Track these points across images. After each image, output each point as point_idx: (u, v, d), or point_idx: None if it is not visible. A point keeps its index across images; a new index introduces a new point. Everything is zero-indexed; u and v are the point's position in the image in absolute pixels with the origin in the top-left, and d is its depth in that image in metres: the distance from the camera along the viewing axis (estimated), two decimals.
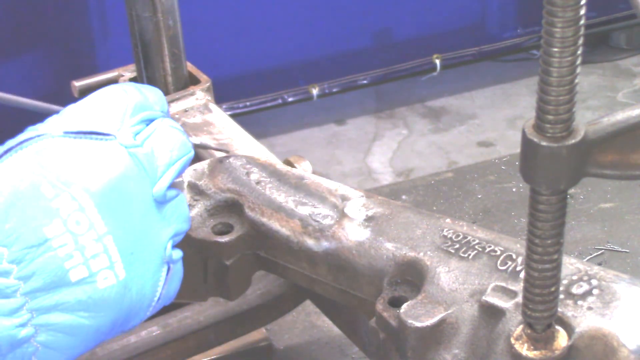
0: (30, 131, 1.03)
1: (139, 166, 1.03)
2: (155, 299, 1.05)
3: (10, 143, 1.01)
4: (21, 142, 1.01)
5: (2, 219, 0.93)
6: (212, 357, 1.83)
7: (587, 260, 1.47)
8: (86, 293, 0.96)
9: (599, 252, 2.11)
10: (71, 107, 1.06)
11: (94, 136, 1.03)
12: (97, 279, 0.96)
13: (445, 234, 1.17)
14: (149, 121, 1.09)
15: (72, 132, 1.02)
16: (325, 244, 1.23)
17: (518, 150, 0.89)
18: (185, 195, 1.26)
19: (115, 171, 1.01)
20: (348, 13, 3.26)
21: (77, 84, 1.77)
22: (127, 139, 1.04)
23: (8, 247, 0.92)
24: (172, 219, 1.07)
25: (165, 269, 1.05)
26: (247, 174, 1.32)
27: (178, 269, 1.09)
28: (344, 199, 1.27)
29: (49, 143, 1.01)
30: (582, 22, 0.80)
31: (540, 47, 0.83)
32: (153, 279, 1.04)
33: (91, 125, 1.04)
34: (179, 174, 1.08)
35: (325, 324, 1.93)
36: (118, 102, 1.07)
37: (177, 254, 1.08)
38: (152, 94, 1.12)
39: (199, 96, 1.69)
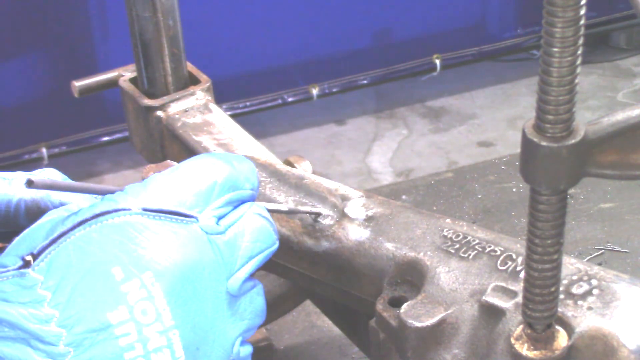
0: (108, 202, 0.95)
1: (217, 255, 0.96)
2: None
3: (85, 213, 0.94)
4: (97, 215, 0.93)
5: (67, 298, 0.88)
6: None
7: (587, 260, 1.47)
8: None
9: (599, 252, 2.11)
10: (155, 179, 0.99)
11: (174, 217, 0.95)
12: None
13: (445, 234, 1.17)
14: (237, 202, 1.02)
15: (151, 211, 0.95)
16: (325, 244, 1.23)
17: (518, 150, 0.89)
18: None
19: (191, 259, 0.94)
20: (348, 13, 3.26)
21: (77, 84, 1.77)
22: (209, 223, 0.97)
23: (67, 329, 0.87)
24: (245, 313, 1.00)
25: None
26: None
27: None
28: (344, 199, 1.27)
29: (126, 220, 0.93)
30: (582, 22, 0.80)
31: (540, 47, 0.83)
32: None
33: (173, 204, 0.96)
34: (258, 267, 1.02)
35: (325, 324, 1.93)
36: (206, 178, 1.00)
37: (246, 350, 1.02)
38: (244, 169, 1.04)
39: (199, 96, 1.69)
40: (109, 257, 0.91)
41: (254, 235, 1.01)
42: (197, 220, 0.97)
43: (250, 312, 1.01)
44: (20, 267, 0.90)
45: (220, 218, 0.99)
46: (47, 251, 0.91)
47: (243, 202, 1.03)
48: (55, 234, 0.92)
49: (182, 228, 0.95)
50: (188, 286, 0.93)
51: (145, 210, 0.94)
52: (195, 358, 0.93)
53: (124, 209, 0.94)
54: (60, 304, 0.88)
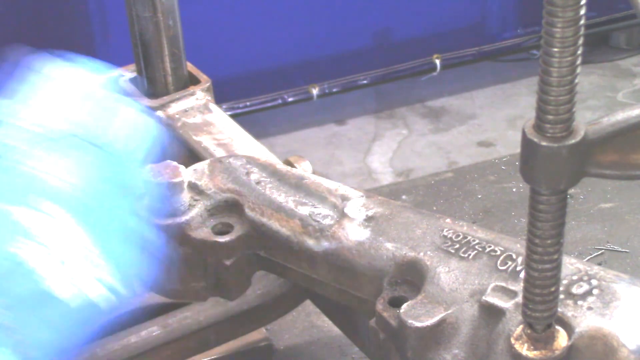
0: None
1: (113, 163, 1.00)
2: (141, 287, 1.02)
3: None
4: None
5: None
6: (212, 357, 1.83)
7: (587, 260, 1.47)
8: (79, 308, 0.92)
9: (599, 252, 2.11)
10: (33, 101, 1.03)
11: (60, 139, 0.99)
12: (88, 292, 0.93)
13: (445, 234, 1.17)
14: (113, 105, 1.07)
15: (36, 140, 0.99)
16: (325, 244, 1.23)
17: (518, 150, 0.89)
18: (186, 195, 1.26)
19: (89, 177, 0.98)
20: (348, 13, 3.25)
21: None
22: (94, 137, 1.01)
23: None
24: (151, 199, 1.07)
25: (146, 254, 1.02)
26: (247, 174, 1.32)
27: (159, 248, 1.06)
28: (344, 199, 1.27)
29: (20, 157, 0.97)
30: (582, 22, 0.80)
31: (540, 47, 0.83)
32: (140, 272, 1.00)
33: (54, 125, 1.00)
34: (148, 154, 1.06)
35: (325, 324, 1.93)
36: (77, 90, 1.04)
37: (153, 233, 1.06)
38: (104, 73, 1.10)
39: (199, 96, 1.69)
40: (9, 197, 0.93)
41: (138, 130, 1.05)
42: (83, 135, 1.00)
43: (154, 195, 1.09)
44: None
45: (103, 127, 1.03)
46: None
47: (116, 102, 1.07)
48: None
49: (72, 148, 0.98)
50: (93, 201, 0.96)
51: (29, 141, 0.97)
52: (116, 263, 0.96)
53: (6, 145, 0.96)
54: None
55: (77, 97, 1.03)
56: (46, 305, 0.91)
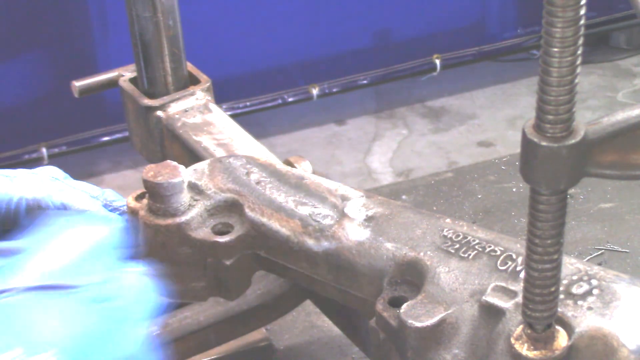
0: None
1: (106, 322, 0.97)
2: None
3: None
4: None
5: None
6: (212, 357, 1.83)
7: (587, 260, 1.47)
8: None
9: (599, 252, 2.11)
10: (35, 251, 0.99)
11: (58, 290, 0.95)
12: None
13: (445, 234, 1.17)
14: (120, 261, 1.03)
15: (34, 288, 0.94)
16: (325, 244, 1.23)
17: (518, 150, 0.89)
18: (186, 195, 1.26)
19: (79, 331, 0.94)
20: (348, 13, 3.26)
21: (77, 84, 1.77)
22: (95, 291, 0.97)
23: None
24: None
25: None
26: (247, 174, 1.32)
27: None
28: (344, 199, 1.27)
29: (8, 302, 0.92)
30: (582, 22, 0.80)
31: (540, 47, 0.83)
32: None
33: (56, 276, 0.96)
34: (148, 325, 1.02)
35: (325, 324, 1.93)
36: (87, 243, 1.00)
37: None
38: (121, 227, 1.06)
39: (199, 96, 1.69)
40: None
41: (139, 296, 1.01)
42: (81, 289, 0.96)
43: None
44: None
45: (103, 283, 0.99)
46: None
47: (125, 260, 1.04)
48: None
49: (67, 300, 0.94)
50: (80, 355, 0.93)
51: (27, 289, 0.93)
52: None
53: (5, 290, 0.93)
54: None
55: (82, 254, 1.00)
56: None
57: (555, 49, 0.81)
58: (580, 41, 0.82)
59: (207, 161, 1.35)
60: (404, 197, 2.37)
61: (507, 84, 3.56)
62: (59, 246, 0.99)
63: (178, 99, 1.68)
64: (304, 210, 1.26)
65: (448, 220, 1.20)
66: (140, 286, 1.02)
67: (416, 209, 1.25)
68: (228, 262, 1.27)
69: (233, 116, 1.76)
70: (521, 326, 1.00)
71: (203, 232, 1.26)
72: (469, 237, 1.16)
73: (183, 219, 1.24)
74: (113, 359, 0.96)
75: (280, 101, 3.26)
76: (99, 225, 1.03)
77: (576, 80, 0.83)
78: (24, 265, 0.97)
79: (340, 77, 3.29)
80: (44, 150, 3.08)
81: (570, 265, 1.06)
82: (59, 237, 1.00)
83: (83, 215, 1.07)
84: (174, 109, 1.66)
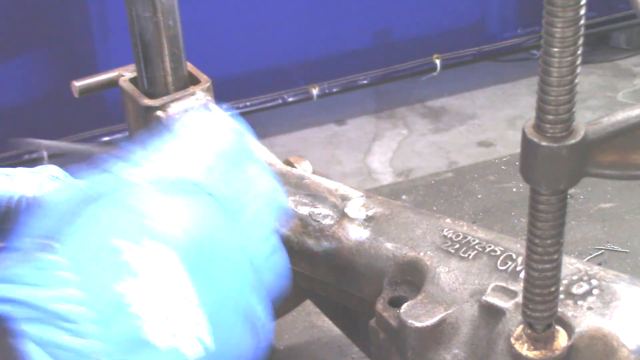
0: (115, 177, 0.95)
1: (231, 221, 0.95)
2: None
3: (89, 188, 0.94)
4: (103, 192, 0.93)
5: (85, 277, 0.88)
6: None
7: (587, 260, 1.47)
8: None
9: (599, 252, 2.11)
10: (160, 147, 0.98)
11: (183, 186, 0.94)
12: (183, 347, 0.89)
13: (445, 234, 1.17)
14: (242, 164, 1.01)
15: (158, 182, 0.94)
16: (325, 244, 1.23)
17: (518, 150, 0.89)
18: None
19: (204, 229, 0.93)
20: (348, 13, 3.26)
21: (77, 84, 1.77)
22: (218, 190, 0.96)
23: (88, 306, 0.87)
24: (268, 277, 0.99)
25: (252, 331, 0.98)
26: None
27: (267, 329, 1.01)
28: (344, 199, 1.27)
29: (135, 195, 0.93)
30: (582, 22, 0.80)
31: (540, 47, 0.83)
32: (244, 346, 0.96)
33: (180, 172, 0.95)
34: (275, 228, 1.01)
35: (325, 324, 1.93)
36: (211, 143, 0.99)
37: (266, 312, 1.00)
38: (243, 130, 1.04)
39: (199, 96, 1.69)
40: (114, 231, 0.90)
41: (265, 196, 1.00)
42: (207, 187, 0.95)
43: (272, 273, 0.99)
44: (37, 250, 0.91)
45: (229, 183, 0.98)
46: (59, 232, 0.91)
47: (248, 163, 1.02)
48: (63, 213, 0.93)
49: (192, 197, 0.94)
50: (206, 257, 0.92)
51: (153, 183, 0.94)
52: (219, 326, 0.92)
53: (128, 183, 0.93)
54: (78, 283, 0.88)
55: (211, 149, 0.99)
56: (140, 353, 0.88)
57: (555, 49, 0.81)
58: (580, 41, 0.82)
59: None
60: (404, 197, 2.37)
61: (507, 84, 3.56)
62: (186, 144, 0.98)
63: (178, 99, 1.68)
64: (304, 210, 1.26)
65: (448, 220, 1.20)
66: (266, 186, 1.01)
67: (416, 209, 1.25)
68: None
69: None
70: (521, 326, 1.00)
71: None
72: (469, 237, 1.16)
73: None
74: (236, 259, 0.95)
75: (280, 101, 3.26)
76: (225, 128, 1.02)
77: (576, 80, 0.83)
78: (150, 161, 0.97)
79: (340, 77, 3.29)
80: (44, 150, 3.08)
81: (570, 265, 1.06)
82: (185, 136, 0.99)
83: (213, 117, 1.05)
84: (174, 109, 1.66)
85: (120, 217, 0.92)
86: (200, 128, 1.02)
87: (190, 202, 0.94)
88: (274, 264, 1.00)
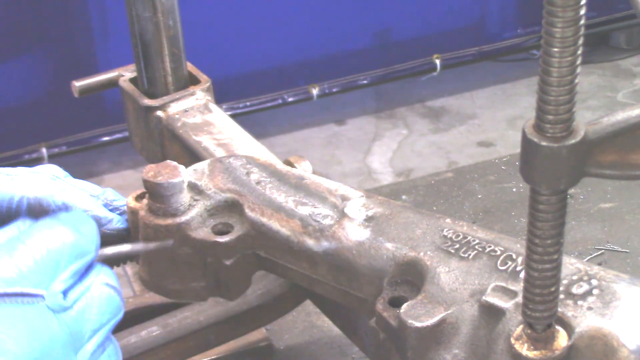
0: None
1: (65, 333, 0.95)
2: None
3: None
4: None
5: None
6: (212, 357, 1.83)
7: (587, 260, 1.47)
8: None
9: (599, 252, 2.11)
10: (4, 260, 0.95)
11: (20, 298, 0.92)
12: None
13: (445, 234, 1.17)
14: (83, 269, 1.00)
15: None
16: (325, 244, 1.23)
17: (518, 150, 0.89)
18: (186, 195, 1.26)
19: (40, 342, 0.92)
20: (348, 13, 3.26)
21: (77, 84, 1.77)
22: (56, 300, 0.95)
23: None
24: None
25: None
26: (247, 174, 1.32)
27: None
28: (344, 199, 1.27)
29: None
30: (582, 22, 0.80)
31: (540, 47, 0.83)
32: None
33: (18, 283, 0.93)
34: (106, 336, 1.01)
35: (325, 324, 1.94)
36: (51, 250, 0.97)
37: None
38: (89, 231, 1.02)
39: (199, 96, 1.69)
40: None
41: (101, 306, 1.00)
42: (44, 298, 0.94)
43: None
44: None
45: (67, 291, 0.97)
46: None
47: (89, 267, 1.02)
48: None
49: (29, 310, 0.93)
50: None
51: None
52: None
53: None
54: None
55: (45, 258, 0.97)
56: None
57: (555, 49, 0.81)
58: (580, 41, 0.81)
59: (207, 161, 1.35)
60: (404, 197, 2.37)
61: (507, 84, 3.56)
62: (22, 249, 0.96)
63: (178, 99, 1.68)
64: (304, 210, 1.26)
65: (448, 220, 1.20)
66: (103, 296, 1.01)
67: (416, 209, 1.25)
68: (228, 262, 1.27)
69: (233, 116, 1.76)
70: (521, 326, 1.00)
71: (203, 232, 1.26)
72: (469, 237, 1.16)
73: (183, 219, 1.24)
74: None
75: (280, 101, 3.26)
76: (67, 228, 1.00)
77: (576, 80, 0.83)
78: None
79: (340, 77, 3.30)
80: (44, 150, 3.08)
81: (570, 265, 1.06)
82: (23, 240, 0.97)
83: (53, 217, 1.04)
84: (174, 109, 1.66)
85: None
86: (41, 231, 0.99)
87: (26, 315, 0.92)
88: None
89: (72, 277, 0.98)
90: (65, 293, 0.97)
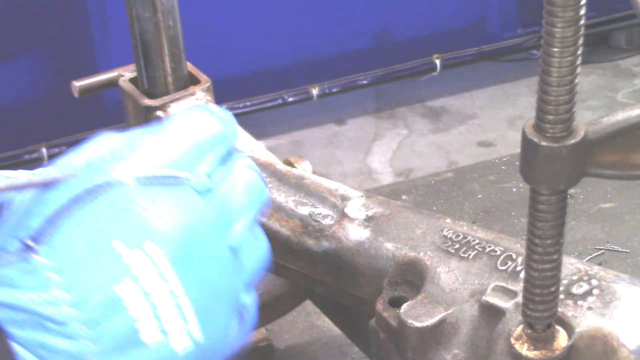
0: (98, 172, 0.95)
1: (213, 213, 0.96)
2: (229, 352, 0.98)
3: (77, 187, 0.93)
4: (91, 190, 0.93)
5: (74, 278, 0.88)
6: None
7: (587, 260, 1.47)
8: (162, 357, 0.89)
9: (599, 252, 2.11)
10: (143, 140, 0.98)
11: (167, 180, 0.95)
12: (172, 342, 0.90)
13: (445, 234, 1.17)
14: (226, 155, 1.02)
15: (143, 178, 0.94)
16: (325, 244, 1.23)
17: (518, 150, 0.89)
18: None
19: (188, 221, 0.93)
20: (348, 13, 3.26)
21: (77, 84, 1.77)
22: (201, 182, 0.96)
23: (78, 308, 0.87)
24: (249, 262, 1.00)
25: (239, 318, 1.00)
26: None
27: (252, 315, 1.02)
28: (344, 199, 1.27)
29: (120, 192, 0.93)
30: (582, 22, 0.80)
31: (540, 47, 0.83)
32: (229, 334, 0.97)
33: (164, 166, 0.96)
34: (254, 222, 1.02)
35: (325, 324, 1.93)
36: (195, 135, 1.00)
37: (251, 298, 1.02)
38: (229, 119, 1.04)
39: (199, 96, 1.69)
40: (108, 232, 0.90)
41: (245, 188, 1.01)
42: (189, 180, 0.96)
43: (253, 260, 1.01)
44: (21, 251, 0.90)
45: (210, 174, 0.98)
46: (46, 233, 0.91)
47: (230, 153, 1.03)
48: (50, 213, 0.92)
49: (176, 191, 0.95)
50: (190, 249, 0.93)
51: (137, 179, 0.94)
52: (206, 318, 0.93)
53: (117, 182, 0.93)
54: (67, 285, 0.88)
55: (193, 140, 1.00)
56: (130, 352, 0.89)
57: (555, 49, 0.81)
58: (580, 41, 0.82)
59: None
60: (404, 197, 2.37)
61: (507, 84, 3.56)
62: (169, 136, 0.99)
63: (178, 99, 1.68)
64: (304, 210, 1.26)
65: (448, 220, 1.20)
66: (247, 177, 1.02)
67: (416, 209, 1.25)
68: None
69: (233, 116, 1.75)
70: (521, 326, 1.00)
71: None
72: (469, 237, 1.16)
73: None
74: (219, 250, 0.96)
75: (280, 101, 3.26)
76: (210, 115, 1.02)
77: (576, 80, 0.83)
78: (133, 155, 0.96)
79: (340, 77, 3.29)
80: (44, 150, 3.08)
81: (570, 265, 1.06)
82: (168, 128, 1.00)
83: (197, 107, 1.06)
84: (174, 109, 1.66)
85: (111, 217, 0.92)
86: (184, 118, 1.02)
87: (174, 196, 0.94)
88: (255, 251, 1.02)
89: (215, 160, 1.00)
90: (210, 176, 0.98)
